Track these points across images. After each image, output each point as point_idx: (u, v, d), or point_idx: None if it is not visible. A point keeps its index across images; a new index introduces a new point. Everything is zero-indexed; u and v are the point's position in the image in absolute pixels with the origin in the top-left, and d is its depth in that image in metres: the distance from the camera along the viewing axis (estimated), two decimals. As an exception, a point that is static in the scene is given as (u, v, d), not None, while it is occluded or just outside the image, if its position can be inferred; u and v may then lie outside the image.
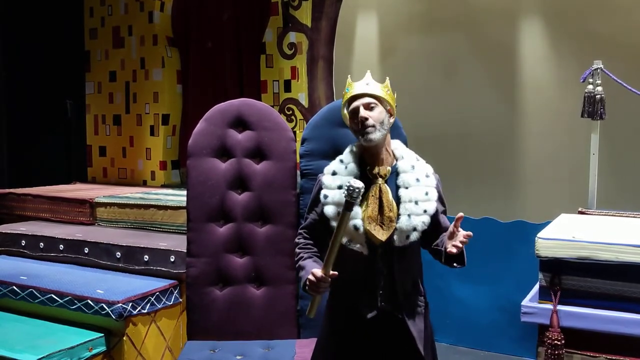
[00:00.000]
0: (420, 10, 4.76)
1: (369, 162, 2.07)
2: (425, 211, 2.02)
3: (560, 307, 2.52)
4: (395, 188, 2.05)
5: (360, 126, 2.01)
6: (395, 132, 2.60)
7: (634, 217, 3.10)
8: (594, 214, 3.21)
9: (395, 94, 2.12)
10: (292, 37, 4.22)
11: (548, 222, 3.02)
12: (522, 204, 4.29)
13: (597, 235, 2.57)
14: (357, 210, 1.99)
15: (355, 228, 1.98)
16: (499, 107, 4.46)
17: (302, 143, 2.85)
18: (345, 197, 1.89)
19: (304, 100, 4.20)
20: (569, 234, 2.59)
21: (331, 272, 1.89)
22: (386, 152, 2.08)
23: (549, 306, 2.54)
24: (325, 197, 2.06)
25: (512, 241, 4.09)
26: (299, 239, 2.18)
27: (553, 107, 4.28)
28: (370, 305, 2.05)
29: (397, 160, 2.10)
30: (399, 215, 2.00)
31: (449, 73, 4.65)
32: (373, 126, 2.00)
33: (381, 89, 2.06)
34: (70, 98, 5.12)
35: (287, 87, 4.26)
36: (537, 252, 2.56)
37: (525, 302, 2.64)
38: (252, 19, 4.40)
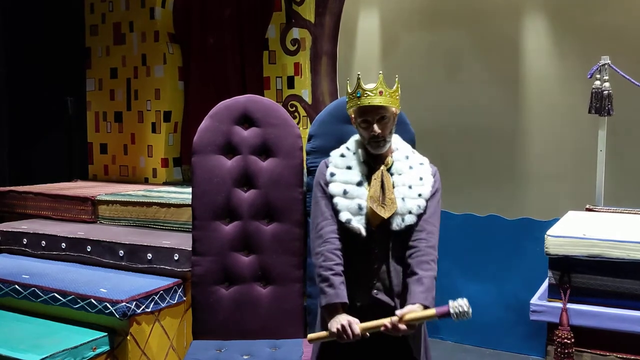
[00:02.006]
0: (423, 5, 4.73)
1: (370, 152, 2.16)
2: (420, 195, 2.11)
3: (569, 305, 2.51)
4: (390, 176, 2.14)
5: (371, 138, 2.09)
6: (402, 128, 2.57)
7: (642, 214, 3.08)
8: (602, 211, 3.19)
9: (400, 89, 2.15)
10: (296, 33, 4.19)
11: (555, 219, 3.00)
12: (528, 201, 4.27)
13: (607, 232, 2.55)
14: (363, 191, 2.09)
15: (359, 207, 2.06)
16: (504, 103, 4.44)
17: (309, 140, 2.82)
18: (453, 315, 1.90)
19: (307, 97, 4.17)
20: (578, 231, 2.57)
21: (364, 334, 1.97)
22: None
23: (559, 304, 2.52)
24: (332, 174, 2.13)
25: (518, 238, 4.06)
26: (329, 237, 2.09)
27: (558, 104, 4.26)
28: (365, 295, 2.09)
29: (392, 152, 2.19)
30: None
31: (452, 68, 4.63)
32: (384, 139, 2.10)
33: (391, 96, 2.10)
34: (71, 95, 5.08)
35: (291, 83, 4.22)
36: (546, 249, 2.54)
37: (534, 300, 2.62)
38: (255, 14, 4.37)
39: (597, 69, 3.27)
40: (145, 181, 4.74)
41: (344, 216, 2.07)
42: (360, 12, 5.01)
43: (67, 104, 5.05)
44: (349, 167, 2.13)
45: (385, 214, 2.05)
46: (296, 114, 4.20)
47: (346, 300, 2.02)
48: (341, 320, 1.98)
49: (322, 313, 2.07)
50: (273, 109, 2.88)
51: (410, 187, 2.11)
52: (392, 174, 2.13)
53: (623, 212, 3.13)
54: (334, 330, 1.97)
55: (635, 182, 3.94)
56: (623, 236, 2.46)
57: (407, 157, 2.17)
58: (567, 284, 2.53)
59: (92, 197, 3.94)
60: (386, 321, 1.96)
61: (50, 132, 5.11)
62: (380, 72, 2.13)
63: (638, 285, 2.42)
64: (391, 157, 2.16)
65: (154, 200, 3.73)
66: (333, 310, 2.02)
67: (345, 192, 2.09)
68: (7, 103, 4.85)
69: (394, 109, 2.12)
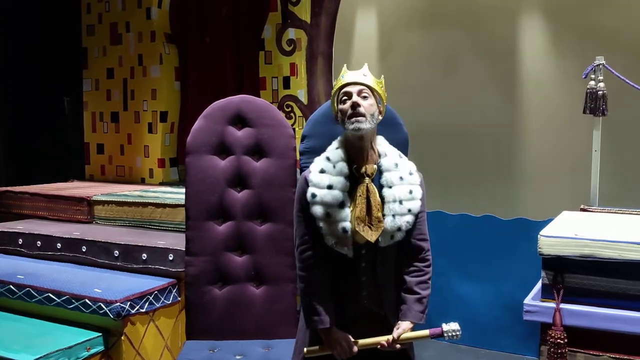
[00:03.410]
0: (420, 6, 4.73)
1: (354, 159, 2.04)
2: (409, 210, 2.02)
3: (563, 306, 2.49)
4: (379, 187, 2.03)
5: (350, 111, 1.97)
6: (396, 129, 2.56)
7: (636, 214, 3.07)
8: (596, 211, 3.19)
9: (386, 93, 2.11)
10: (291, 33, 4.20)
11: (550, 220, 3.00)
12: (523, 201, 4.27)
13: (600, 232, 2.54)
14: (347, 212, 1.98)
15: (344, 231, 1.97)
16: (500, 104, 4.44)
17: (302, 140, 2.81)
18: (445, 336, 2.00)
19: (303, 97, 4.17)
20: (571, 231, 2.56)
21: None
22: (371, 150, 2.05)
23: (552, 304, 2.51)
24: (314, 195, 2.00)
25: (513, 239, 4.06)
26: (306, 266, 2.07)
27: (554, 104, 4.26)
28: (354, 306, 2.07)
29: (380, 157, 2.07)
30: (383, 215, 1.99)
31: (449, 70, 4.63)
32: (364, 115, 1.96)
33: (377, 83, 2.04)
34: (68, 95, 5.09)
35: (286, 83, 4.23)
36: (539, 249, 2.53)
37: (527, 300, 2.62)
38: (251, 14, 4.37)
39: (592, 69, 3.27)
40: (142, 181, 4.74)
41: (329, 240, 1.99)
42: (357, 13, 5.01)
43: (64, 104, 5.06)
44: (329, 187, 1.99)
45: (372, 237, 1.97)
46: (292, 114, 4.20)
47: (330, 325, 2.03)
48: (340, 340, 2.01)
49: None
50: (266, 110, 2.89)
51: (400, 202, 2.01)
52: (382, 186, 2.02)
53: (617, 213, 3.13)
54: (335, 350, 2.02)
55: (631, 182, 3.94)
56: (614, 236, 2.45)
57: (396, 165, 2.05)
58: (561, 284, 2.52)
59: (88, 197, 3.94)
60: (382, 340, 2.01)
61: (47, 132, 5.12)
62: (366, 63, 2.11)
63: (631, 285, 2.41)
64: (376, 165, 2.04)
65: (149, 201, 3.73)
66: (325, 331, 2.04)
67: (328, 215, 1.97)
68: (4, 103, 4.85)
69: (377, 95, 2.02)
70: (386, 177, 2.03)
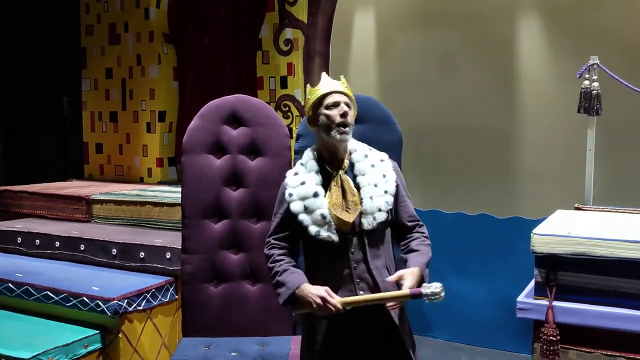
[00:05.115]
0: (418, 5, 4.74)
1: (327, 158, 2.16)
2: (386, 191, 2.12)
3: (555, 303, 2.52)
4: (353, 178, 2.14)
5: (340, 120, 2.07)
6: (390, 128, 2.59)
7: (630, 212, 3.09)
8: (590, 210, 3.20)
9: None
10: (289, 33, 4.21)
11: (544, 218, 3.02)
12: (519, 200, 4.28)
13: (592, 231, 2.56)
14: (323, 201, 2.08)
15: (323, 217, 2.06)
16: (496, 103, 4.44)
17: (297, 139, 2.84)
18: (426, 297, 1.93)
19: (300, 97, 4.19)
20: (564, 229, 2.58)
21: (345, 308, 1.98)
22: (343, 149, 2.17)
23: (545, 302, 2.54)
24: (290, 195, 2.12)
25: (509, 237, 4.08)
26: (269, 250, 2.18)
27: (550, 103, 4.27)
28: (350, 296, 2.08)
29: (350, 153, 2.18)
30: (362, 200, 2.09)
31: (447, 69, 4.64)
32: (349, 125, 2.10)
33: (352, 99, 2.17)
34: (67, 95, 5.11)
35: (284, 83, 4.25)
36: (532, 247, 2.56)
37: (520, 298, 2.64)
38: (249, 14, 4.39)
39: (586, 68, 3.28)
40: (141, 180, 4.76)
41: (312, 230, 2.07)
42: (355, 12, 5.02)
43: (63, 103, 5.08)
44: (302, 183, 2.12)
45: (350, 218, 2.06)
46: (289, 113, 4.22)
47: (298, 283, 2.02)
48: (319, 292, 1.98)
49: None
50: (261, 109, 2.91)
51: (375, 185, 2.11)
52: (355, 176, 2.13)
53: (611, 211, 3.15)
54: (314, 305, 1.97)
55: (625, 181, 3.95)
56: (607, 234, 2.47)
57: (366, 156, 2.17)
58: (553, 282, 2.54)
59: (87, 196, 3.97)
60: (375, 296, 2.01)
61: (46, 132, 5.14)
62: (342, 76, 2.20)
63: (623, 283, 2.44)
64: (348, 160, 2.16)
65: (147, 200, 3.75)
66: (298, 293, 2.02)
67: (305, 208, 2.08)
68: (4, 103, 4.87)
69: (354, 110, 2.15)
70: (358, 168, 2.15)
